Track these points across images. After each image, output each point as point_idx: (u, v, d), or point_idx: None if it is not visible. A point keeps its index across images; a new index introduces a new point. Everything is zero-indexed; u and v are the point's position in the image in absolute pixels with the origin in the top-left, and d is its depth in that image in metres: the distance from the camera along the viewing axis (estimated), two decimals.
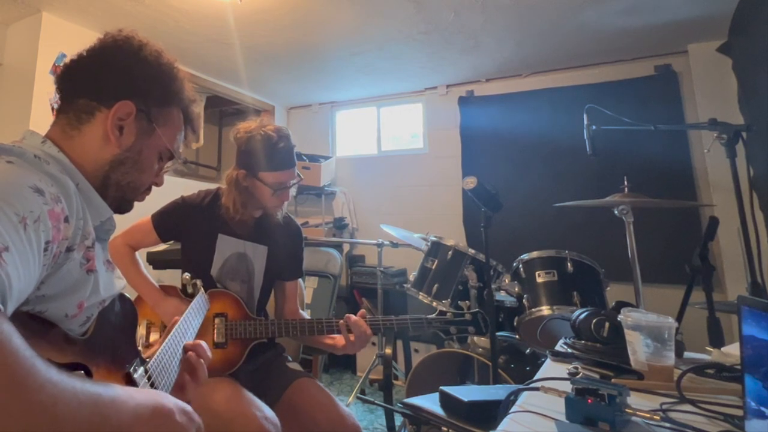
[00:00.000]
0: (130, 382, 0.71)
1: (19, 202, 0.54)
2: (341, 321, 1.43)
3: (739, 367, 0.78)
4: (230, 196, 1.52)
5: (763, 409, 0.63)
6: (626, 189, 1.80)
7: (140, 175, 0.81)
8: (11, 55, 2.85)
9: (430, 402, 1.27)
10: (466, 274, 2.07)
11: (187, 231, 1.59)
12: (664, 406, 0.84)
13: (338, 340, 1.51)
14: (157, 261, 2.84)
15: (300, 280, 1.76)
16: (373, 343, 3.07)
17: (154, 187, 0.87)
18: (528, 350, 2.14)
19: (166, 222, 1.59)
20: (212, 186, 1.71)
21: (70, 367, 0.59)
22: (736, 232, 1.63)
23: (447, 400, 1.21)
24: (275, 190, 1.49)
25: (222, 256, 1.56)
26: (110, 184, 0.77)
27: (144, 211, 1.67)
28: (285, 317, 1.65)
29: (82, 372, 0.61)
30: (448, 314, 1.48)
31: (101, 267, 0.73)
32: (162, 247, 2.08)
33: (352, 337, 1.41)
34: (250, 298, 1.59)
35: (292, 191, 1.58)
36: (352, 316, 1.42)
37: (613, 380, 0.96)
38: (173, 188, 1.30)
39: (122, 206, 0.82)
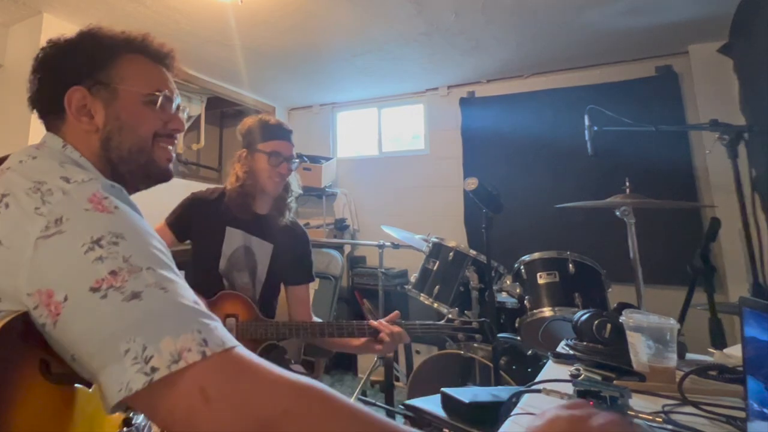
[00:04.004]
0: None
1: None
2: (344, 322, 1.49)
3: (741, 368, 0.78)
4: (233, 171, 1.63)
5: (765, 410, 0.63)
6: (628, 190, 1.80)
7: (134, 133, 0.75)
8: (12, 57, 2.85)
9: (431, 403, 1.26)
10: (468, 276, 2.07)
11: (198, 225, 1.65)
12: (666, 408, 0.84)
13: (352, 341, 1.57)
14: None
15: None
16: None
17: (158, 192, 0.85)
18: (529, 352, 2.14)
19: (180, 218, 1.67)
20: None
21: None
22: (738, 234, 1.63)
23: (448, 402, 1.21)
24: (270, 156, 1.57)
25: (230, 247, 1.61)
26: (118, 164, 0.74)
27: (157, 216, 1.69)
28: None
29: None
30: (455, 321, 1.53)
31: None
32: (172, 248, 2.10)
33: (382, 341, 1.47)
34: (254, 294, 1.63)
35: (293, 172, 1.67)
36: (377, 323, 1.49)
37: (614, 382, 0.96)
38: (174, 189, 1.31)
39: (153, 174, 0.79)
